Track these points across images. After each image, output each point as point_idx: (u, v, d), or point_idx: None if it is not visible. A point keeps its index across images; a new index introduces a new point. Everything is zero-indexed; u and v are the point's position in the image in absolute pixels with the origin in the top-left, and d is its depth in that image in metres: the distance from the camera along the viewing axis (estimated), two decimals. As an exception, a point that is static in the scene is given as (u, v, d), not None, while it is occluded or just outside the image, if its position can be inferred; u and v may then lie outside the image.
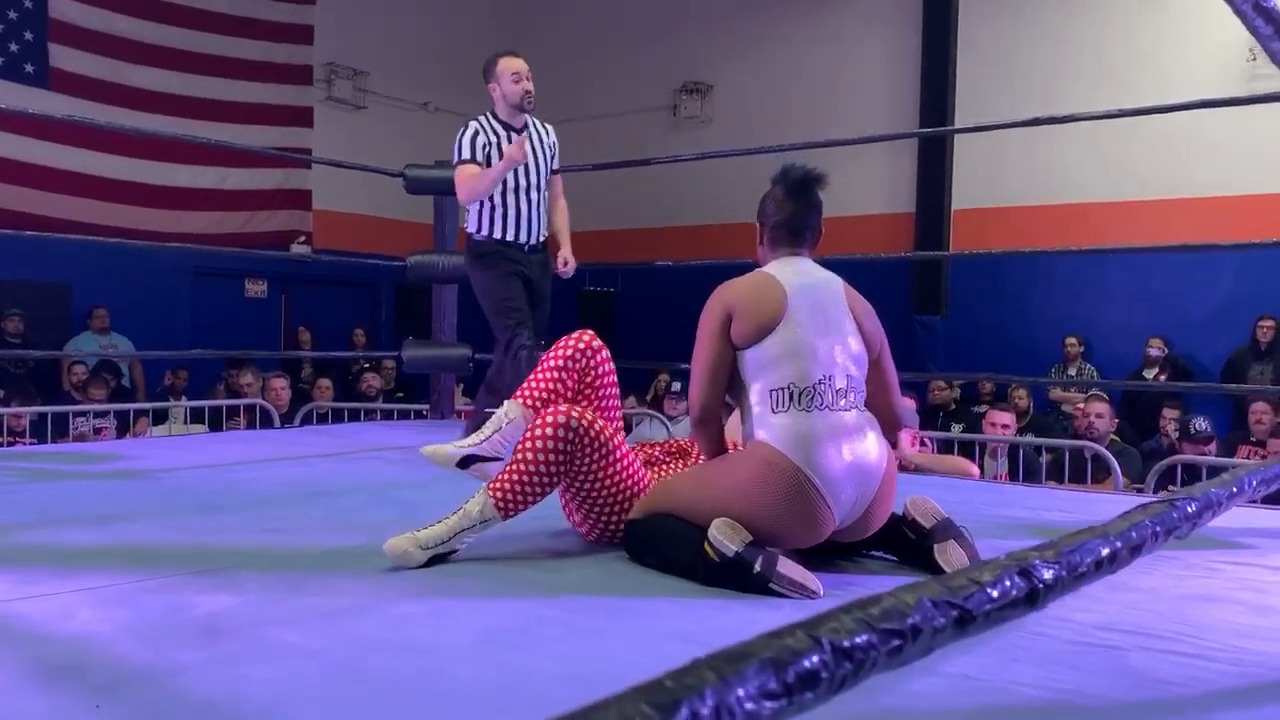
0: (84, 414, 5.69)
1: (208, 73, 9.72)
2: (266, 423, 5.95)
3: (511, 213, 3.95)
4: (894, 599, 0.67)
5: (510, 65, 3.92)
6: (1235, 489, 1.46)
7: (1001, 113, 7.61)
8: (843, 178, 9.78)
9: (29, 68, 8.58)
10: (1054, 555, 0.83)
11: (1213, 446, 5.04)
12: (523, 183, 3.95)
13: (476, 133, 3.90)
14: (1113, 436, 5.35)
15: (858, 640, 0.61)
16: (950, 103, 9.59)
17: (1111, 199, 8.80)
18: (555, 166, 4.13)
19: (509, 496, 2.21)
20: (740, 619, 1.85)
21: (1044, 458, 4.78)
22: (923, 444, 4.45)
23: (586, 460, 2.25)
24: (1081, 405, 5.47)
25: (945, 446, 4.79)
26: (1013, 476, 4.80)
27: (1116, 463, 4.14)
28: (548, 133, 4.07)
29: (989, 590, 0.75)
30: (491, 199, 3.93)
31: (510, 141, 3.85)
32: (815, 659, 0.58)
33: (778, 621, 0.64)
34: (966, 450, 4.82)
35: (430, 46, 11.29)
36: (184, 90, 9.54)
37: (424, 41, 11.27)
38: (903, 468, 4.09)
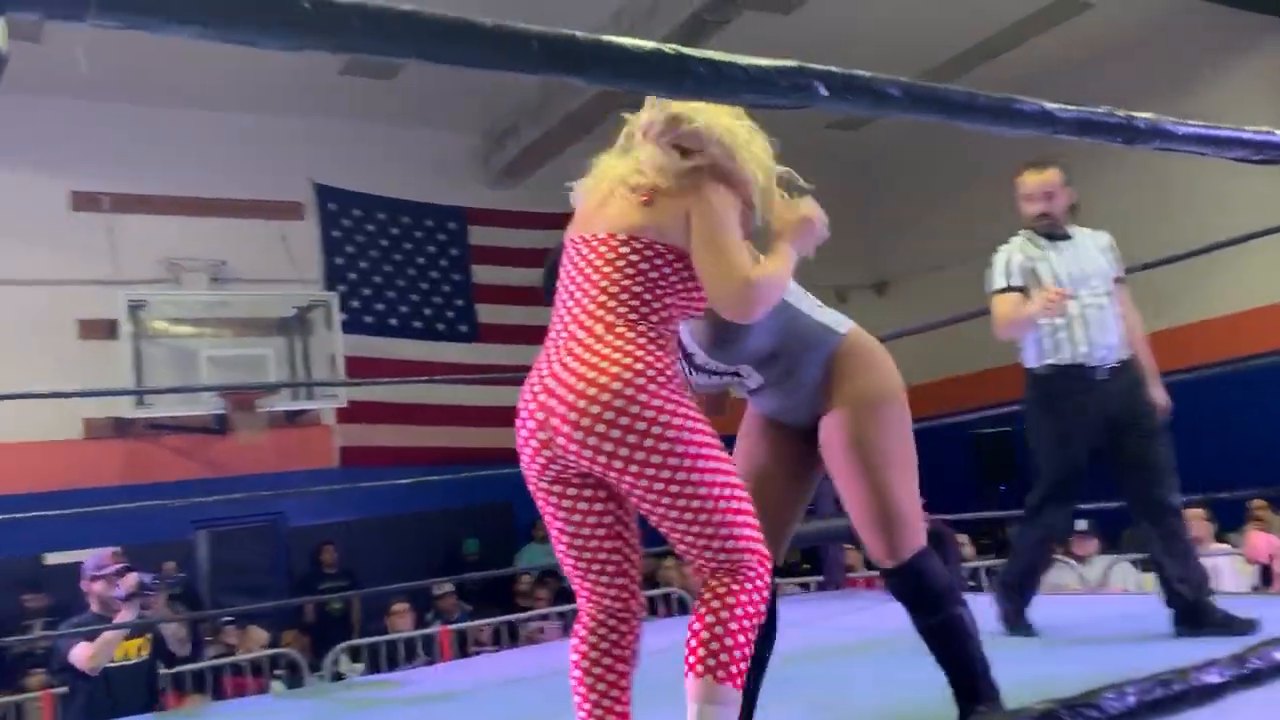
0: (528, 619, 6.50)
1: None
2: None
3: (1064, 326, 3.30)
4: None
5: (1021, 184, 3.50)
6: None
7: None
8: (1243, 269, 8.98)
9: (463, 328, 10.26)
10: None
11: None
12: (1070, 288, 3.27)
13: (1008, 256, 3.45)
14: None
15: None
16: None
17: None
18: (1117, 273, 3.45)
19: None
20: None
21: None
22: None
23: None
24: None
25: None
26: None
27: None
28: (1096, 238, 3.51)
29: None
30: None
31: (1047, 256, 3.38)
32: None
33: None
34: None
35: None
36: (585, 318, 10.89)
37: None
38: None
